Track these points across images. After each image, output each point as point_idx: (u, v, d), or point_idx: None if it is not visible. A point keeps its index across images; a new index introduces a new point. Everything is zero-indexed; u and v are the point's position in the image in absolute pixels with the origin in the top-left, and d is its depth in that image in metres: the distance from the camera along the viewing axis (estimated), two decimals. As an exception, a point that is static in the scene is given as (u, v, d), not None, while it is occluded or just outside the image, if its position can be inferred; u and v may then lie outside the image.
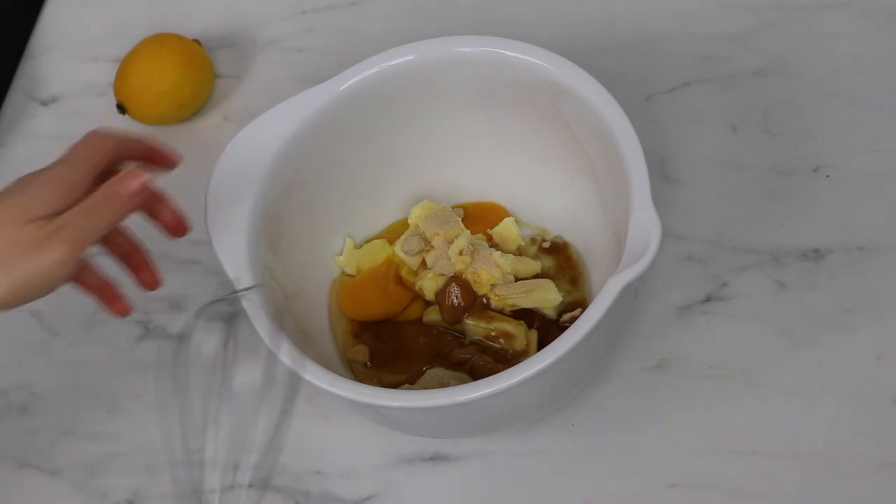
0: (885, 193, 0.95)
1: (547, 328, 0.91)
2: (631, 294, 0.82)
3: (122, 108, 1.03)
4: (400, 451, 0.90)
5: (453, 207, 0.96)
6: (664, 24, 1.03)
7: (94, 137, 0.80)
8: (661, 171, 0.97)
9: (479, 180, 0.96)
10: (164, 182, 0.82)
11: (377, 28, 1.06)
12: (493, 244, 0.93)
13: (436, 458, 0.90)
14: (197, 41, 1.05)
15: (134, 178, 0.78)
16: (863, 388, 0.89)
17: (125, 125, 1.04)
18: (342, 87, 0.89)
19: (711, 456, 0.88)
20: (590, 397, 0.90)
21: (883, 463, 0.86)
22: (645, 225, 0.79)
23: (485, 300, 0.90)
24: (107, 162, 0.79)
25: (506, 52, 0.87)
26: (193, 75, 1.03)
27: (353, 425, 0.90)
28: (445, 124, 0.94)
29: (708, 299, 0.93)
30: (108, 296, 0.82)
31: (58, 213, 0.76)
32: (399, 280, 0.93)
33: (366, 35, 1.05)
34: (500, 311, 0.90)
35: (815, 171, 0.96)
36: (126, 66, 1.03)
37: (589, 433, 0.90)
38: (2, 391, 0.96)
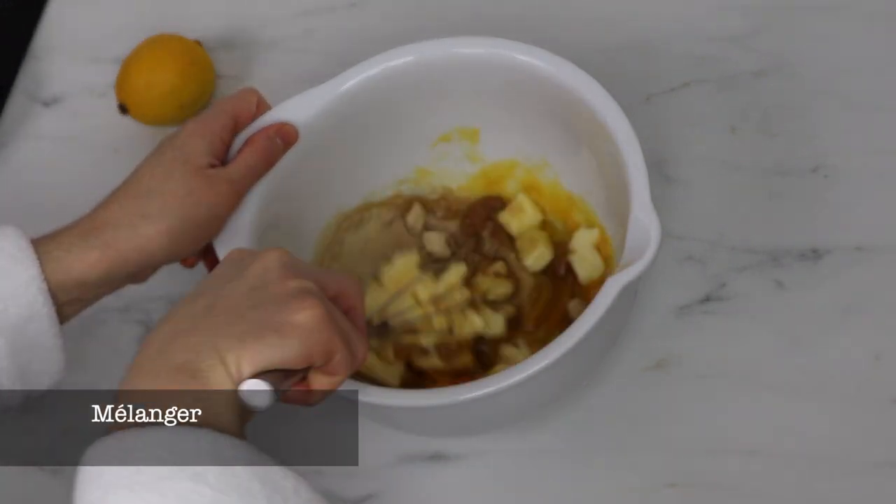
0: (884, 193, 0.95)
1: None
2: (630, 294, 0.82)
3: (123, 109, 1.03)
4: (400, 450, 0.91)
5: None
6: (664, 24, 1.03)
7: (245, 93, 0.87)
8: (660, 172, 0.97)
9: (478, 181, 0.97)
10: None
11: (378, 29, 1.06)
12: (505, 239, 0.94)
13: (436, 457, 0.90)
14: (198, 42, 1.05)
15: (278, 131, 0.86)
16: (862, 387, 0.89)
17: (126, 126, 1.04)
18: (342, 88, 0.89)
19: (711, 455, 0.88)
20: (590, 397, 0.90)
21: (883, 462, 0.86)
22: (644, 225, 0.79)
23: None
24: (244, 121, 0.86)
25: (505, 53, 0.87)
26: (194, 76, 1.03)
27: (353, 424, 0.90)
28: (445, 125, 0.94)
29: (707, 299, 0.93)
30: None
31: (212, 164, 0.83)
32: None
33: (366, 36, 1.05)
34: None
35: (814, 171, 0.96)
36: (127, 66, 1.03)
37: (589, 433, 0.90)
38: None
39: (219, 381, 0.66)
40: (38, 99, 1.09)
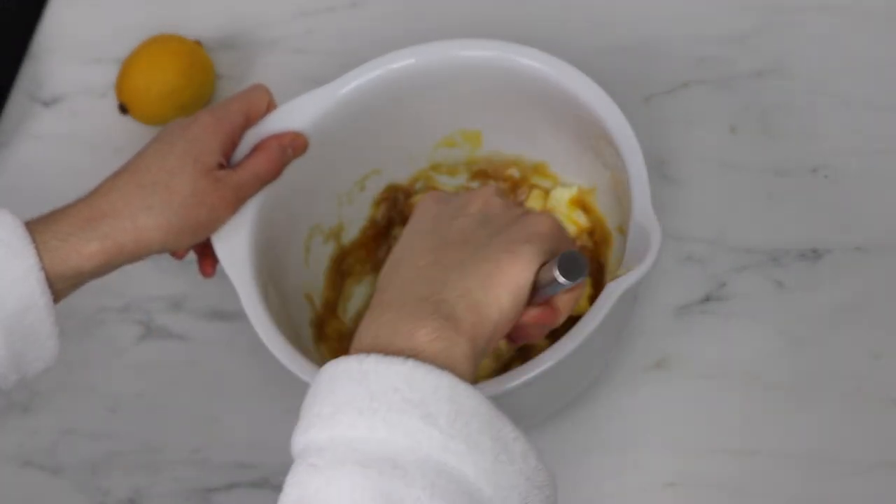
0: (883, 194, 0.94)
1: None
2: (631, 297, 0.82)
3: (123, 109, 1.03)
4: (400, 451, 0.91)
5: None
6: (663, 25, 1.03)
7: (258, 92, 0.87)
8: (660, 172, 0.97)
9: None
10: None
11: (378, 29, 1.06)
12: None
13: (436, 457, 0.90)
14: (198, 42, 1.05)
15: (292, 141, 0.86)
16: (861, 387, 0.89)
17: (126, 126, 1.05)
18: (343, 91, 0.89)
19: (710, 455, 0.88)
20: (590, 397, 0.90)
21: (882, 462, 0.86)
22: (645, 230, 0.79)
23: None
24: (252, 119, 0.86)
25: (506, 56, 0.87)
26: (195, 76, 1.03)
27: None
28: (447, 128, 0.94)
29: (707, 299, 0.93)
30: (205, 254, 0.87)
31: (221, 165, 0.82)
32: None
33: (367, 36, 1.05)
34: None
35: (814, 171, 0.96)
36: (128, 67, 1.03)
37: (589, 433, 0.90)
38: (4, 390, 0.96)
39: (464, 311, 0.65)
40: (38, 99, 1.09)
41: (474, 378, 0.65)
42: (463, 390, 0.62)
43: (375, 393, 0.61)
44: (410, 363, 0.62)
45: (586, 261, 0.67)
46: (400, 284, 0.67)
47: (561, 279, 0.66)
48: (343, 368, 0.63)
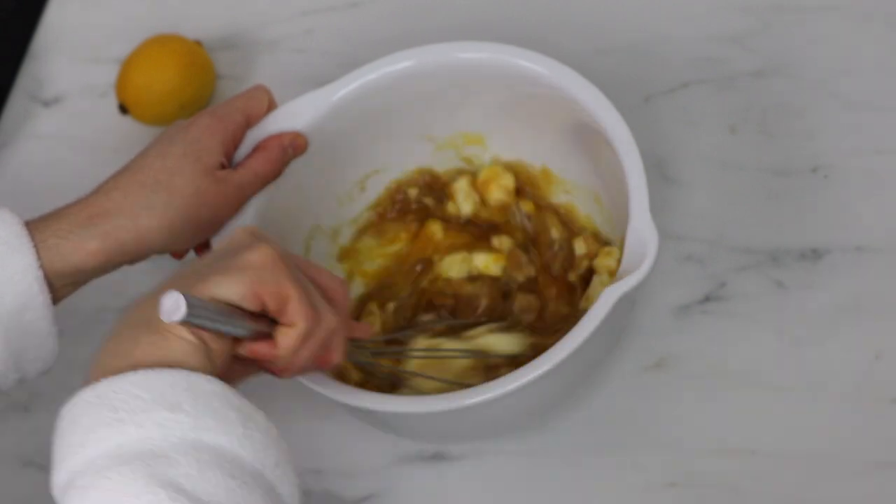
0: (883, 194, 0.94)
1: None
2: (628, 302, 0.82)
3: (123, 109, 1.03)
4: (400, 451, 0.91)
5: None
6: (663, 25, 1.03)
7: (259, 92, 0.87)
8: (660, 172, 0.97)
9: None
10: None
11: (378, 30, 1.06)
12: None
13: (436, 457, 0.90)
14: (198, 42, 1.05)
15: (292, 141, 0.87)
16: (861, 387, 0.89)
17: (126, 126, 1.05)
18: (343, 92, 0.89)
19: (711, 455, 0.88)
20: (590, 397, 0.90)
21: (883, 462, 0.86)
22: (642, 236, 0.79)
23: None
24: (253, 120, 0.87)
25: (505, 59, 0.87)
26: (195, 76, 1.03)
27: (353, 424, 0.90)
28: (448, 130, 0.94)
29: (707, 299, 0.93)
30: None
31: (222, 165, 0.83)
32: None
33: (367, 37, 1.05)
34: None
35: (814, 171, 0.96)
36: (128, 66, 1.04)
37: (589, 433, 0.90)
38: (4, 390, 0.96)
39: (171, 325, 0.67)
40: (38, 99, 1.09)
41: (217, 369, 0.68)
42: (198, 378, 0.65)
43: (117, 406, 0.64)
44: (140, 372, 0.65)
45: (182, 304, 0.66)
46: (129, 314, 0.70)
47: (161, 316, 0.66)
48: (78, 401, 0.66)
